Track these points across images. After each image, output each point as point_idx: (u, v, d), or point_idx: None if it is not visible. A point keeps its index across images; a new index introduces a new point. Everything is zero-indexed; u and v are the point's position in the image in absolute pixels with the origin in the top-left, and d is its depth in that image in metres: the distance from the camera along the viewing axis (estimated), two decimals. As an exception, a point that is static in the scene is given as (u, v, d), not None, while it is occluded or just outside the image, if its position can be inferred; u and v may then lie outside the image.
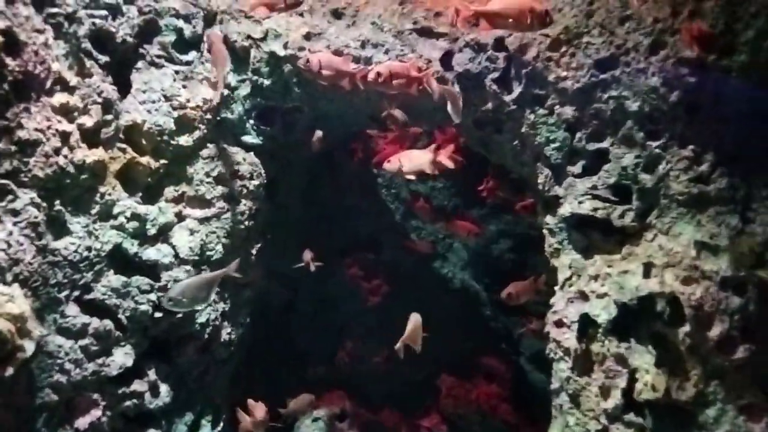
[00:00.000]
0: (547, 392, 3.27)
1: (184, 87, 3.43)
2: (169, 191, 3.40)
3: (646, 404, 2.76)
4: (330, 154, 4.74)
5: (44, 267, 2.76)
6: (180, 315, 3.29)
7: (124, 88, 3.25)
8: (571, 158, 3.19)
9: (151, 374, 3.26)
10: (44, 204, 2.74)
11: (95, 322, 3.00)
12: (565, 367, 3.05)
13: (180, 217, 3.40)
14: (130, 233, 3.19)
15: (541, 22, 2.83)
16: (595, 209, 3.05)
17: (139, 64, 3.35)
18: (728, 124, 2.74)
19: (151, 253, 3.25)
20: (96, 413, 3.00)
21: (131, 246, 3.20)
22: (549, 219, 3.28)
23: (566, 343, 3.04)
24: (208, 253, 3.46)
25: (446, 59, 3.45)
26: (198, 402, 3.61)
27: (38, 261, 2.71)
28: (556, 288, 3.22)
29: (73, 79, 2.92)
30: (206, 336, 3.52)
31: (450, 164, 3.25)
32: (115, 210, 3.13)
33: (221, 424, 3.75)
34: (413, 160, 3.21)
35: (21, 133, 2.62)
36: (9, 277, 2.55)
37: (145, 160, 3.27)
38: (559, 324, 3.11)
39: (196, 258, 3.39)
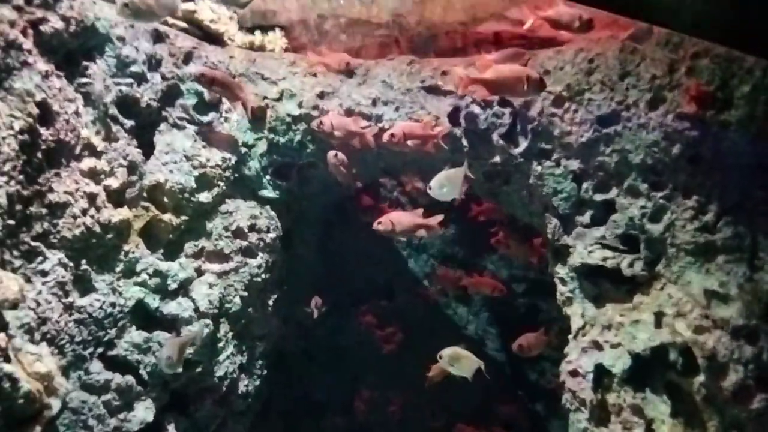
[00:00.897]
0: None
1: (204, 147, 3.59)
2: (189, 246, 3.52)
3: (666, 455, 2.76)
4: (342, 204, 4.87)
5: (70, 325, 2.85)
6: (199, 369, 3.35)
7: (147, 148, 3.42)
8: (579, 208, 3.28)
9: (171, 429, 3.31)
10: (71, 263, 2.85)
11: (117, 378, 3.07)
12: (582, 418, 3.06)
13: (199, 272, 3.51)
14: (152, 289, 3.29)
15: (536, 89, 2.96)
16: (605, 259, 3.11)
17: (162, 126, 3.52)
18: (730, 174, 2.82)
19: (171, 307, 3.35)
20: (117, 469, 3.04)
21: (153, 301, 3.30)
22: (560, 268, 3.34)
23: (582, 394, 3.05)
24: (227, 305, 3.56)
25: (454, 115, 3.59)
26: (217, 455, 3.63)
27: (65, 319, 2.81)
28: (570, 337, 3.25)
29: (100, 144, 3.07)
30: (224, 389, 3.57)
31: (439, 230, 3.46)
32: (138, 267, 3.24)
33: (240, 477, 3.76)
34: (403, 223, 3.37)
35: (51, 197, 2.75)
36: (37, 336, 2.64)
37: (167, 217, 3.40)
38: (574, 374, 3.13)
39: (215, 311, 3.48)
